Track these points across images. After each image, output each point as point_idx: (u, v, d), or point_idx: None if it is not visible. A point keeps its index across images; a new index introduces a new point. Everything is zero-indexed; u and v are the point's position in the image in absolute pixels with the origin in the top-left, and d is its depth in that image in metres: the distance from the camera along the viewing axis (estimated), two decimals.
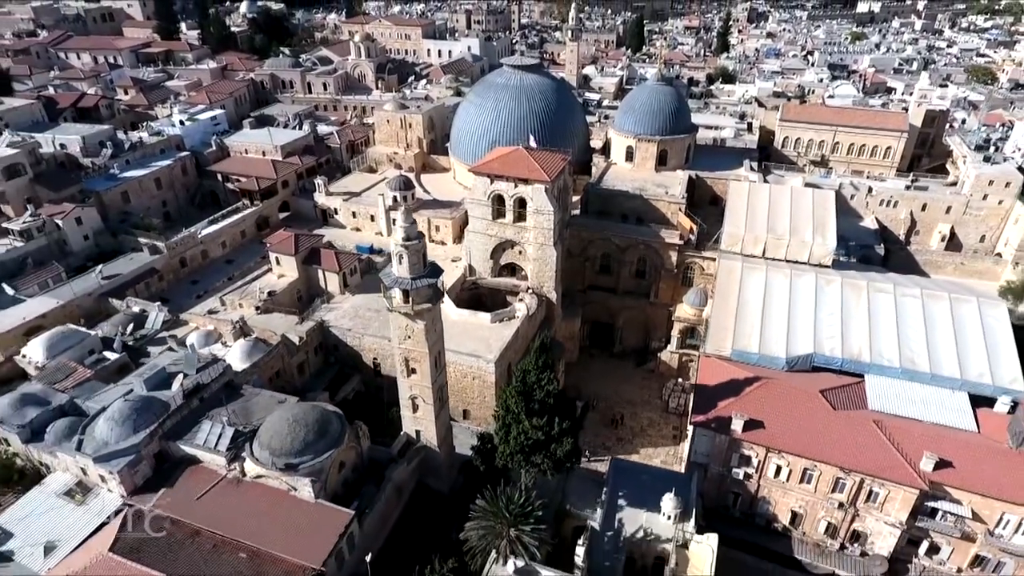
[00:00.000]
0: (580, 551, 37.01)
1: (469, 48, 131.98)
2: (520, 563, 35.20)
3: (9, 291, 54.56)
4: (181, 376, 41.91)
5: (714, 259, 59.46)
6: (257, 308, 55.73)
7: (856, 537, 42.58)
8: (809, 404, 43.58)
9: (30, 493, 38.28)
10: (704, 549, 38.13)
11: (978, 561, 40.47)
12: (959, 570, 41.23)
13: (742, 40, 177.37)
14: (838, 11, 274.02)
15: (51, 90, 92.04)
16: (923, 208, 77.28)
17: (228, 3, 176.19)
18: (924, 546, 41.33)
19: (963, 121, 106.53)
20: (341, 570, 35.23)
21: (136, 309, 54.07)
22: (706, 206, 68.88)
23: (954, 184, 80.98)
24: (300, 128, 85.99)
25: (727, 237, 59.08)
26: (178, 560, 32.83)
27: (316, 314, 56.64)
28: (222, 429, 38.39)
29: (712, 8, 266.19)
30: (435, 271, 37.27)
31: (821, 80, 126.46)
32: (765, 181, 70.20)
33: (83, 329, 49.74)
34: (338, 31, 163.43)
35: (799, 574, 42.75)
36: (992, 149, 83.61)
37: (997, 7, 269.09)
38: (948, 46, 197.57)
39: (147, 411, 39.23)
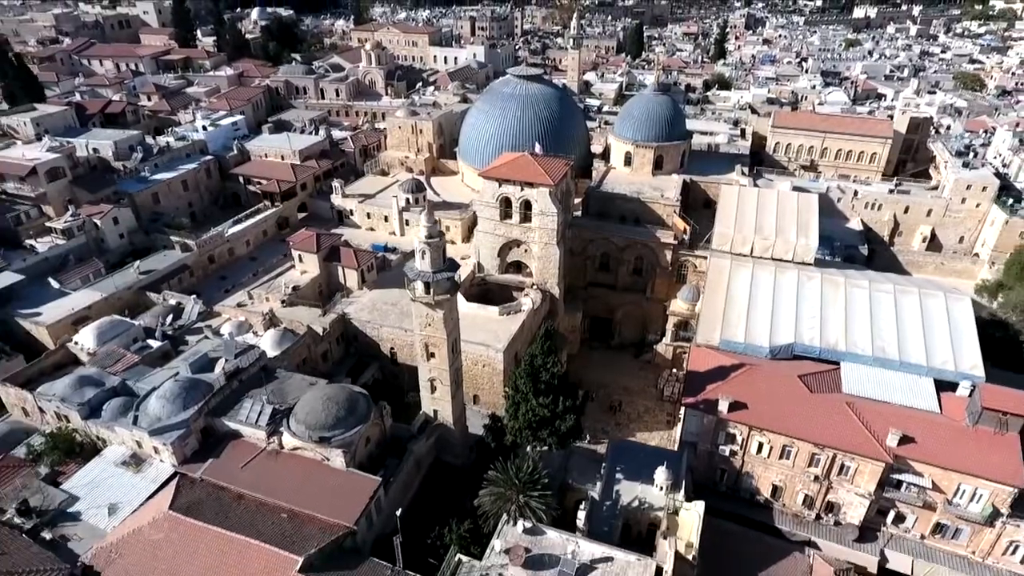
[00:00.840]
0: (581, 515, 41.53)
1: (474, 55, 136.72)
2: (528, 524, 39.66)
3: (55, 285, 59.27)
4: (222, 360, 46.54)
5: (706, 257, 63.94)
6: (283, 301, 60.31)
7: (830, 507, 46.97)
8: (789, 388, 48.05)
9: (91, 463, 42.79)
10: (692, 515, 42.54)
11: (939, 528, 44.90)
12: (922, 537, 45.67)
13: (739, 47, 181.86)
14: (835, 16, 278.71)
15: (77, 96, 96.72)
16: (906, 211, 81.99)
17: (239, 9, 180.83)
18: (891, 515, 45.80)
19: (948, 127, 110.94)
20: (370, 529, 39.78)
21: (173, 302, 58.69)
22: (699, 208, 73.32)
23: (935, 188, 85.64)
24: (316, 133, 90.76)
25: (718, 237, 63.64)
26: (229, 517, 37.36)
27: (337, 307, 61.21)
28: (262, 407, 42.94)
29: (711, 13, 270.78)
30: (453, 265, 41.91)
31: (814, 87, 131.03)
32: (755, 185, 74.74)
33: (128, 319, 54.38)
34: (346, 37, 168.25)
35: (780, 542, 47.13)
36: (971, 155, 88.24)
37: (991, 13, 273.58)
38: (942, 51, 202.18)
39: (194, 391, 43.85)
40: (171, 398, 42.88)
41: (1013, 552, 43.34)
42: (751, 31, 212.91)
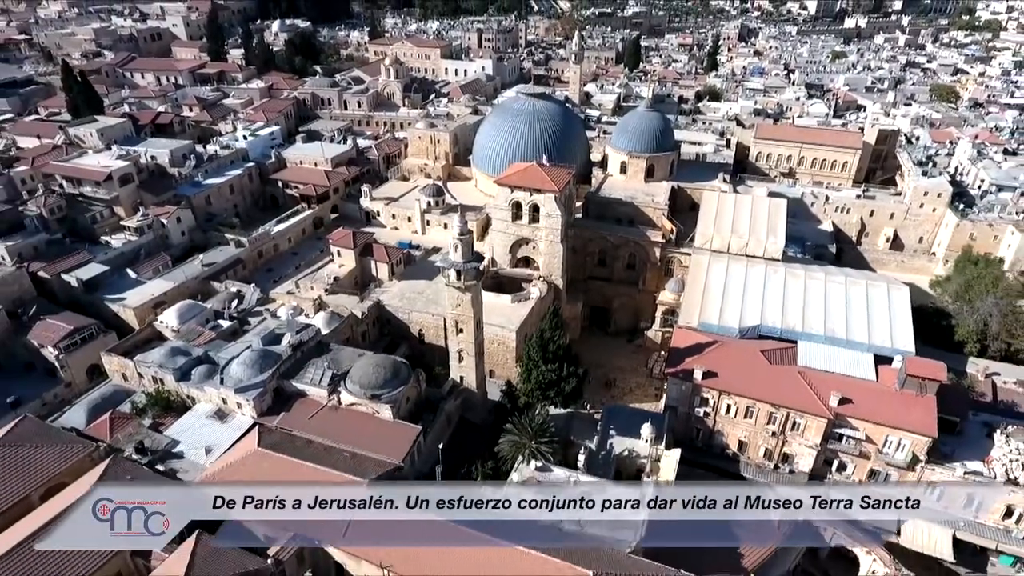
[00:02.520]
0: (581, 459, 51.58)
1: (483, 68, 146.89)
2: (539, 464, 49.72)
3: (132, 275, 69.49)
4: (287, 335, 56.69)
5: (689, 254, 73.89)
6: (326, 290, 70.46)
7: (785, 458, 56.81)
8: (753, 360, 57.92)
9: (185, 416, 52.93)
10: (670, 461, 52.53)
11: (872, 474, 54.95)
12: (860, 482, 55.67)
13: (731, 58, 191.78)
14: (827, 26, 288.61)
15: (126, 107, 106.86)
16: (871, 214, 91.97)
17: (259, 21, 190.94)
18: (835, 464, 55.85)
19: (917, 138, 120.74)
20: (413, 467, 49.73)
21: (234, 289, 68.82)
22: (685, 211, 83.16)
23: (899, 194, 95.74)
24: (344, 142, 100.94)
25: (699, 237, 73.60)
26: (304, 454, 47.34)
27: (372, 295, 71.30)
28: (323, 371, 53.11)
29: (707, 23, 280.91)
30: (479, 257, 52.03)
31: (798, 99, 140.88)
32: (735, 191, 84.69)
33: (200, 303, 64.53)
34: (361, 48, 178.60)
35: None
36: (931, 165, 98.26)
37: (977, 23, 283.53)
38: (928, 61, 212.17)
39: (267, 358, 53.99)
40: (250, 364, 53.05)
41: (931, 492, 53.34)
42: (744, 42, 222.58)
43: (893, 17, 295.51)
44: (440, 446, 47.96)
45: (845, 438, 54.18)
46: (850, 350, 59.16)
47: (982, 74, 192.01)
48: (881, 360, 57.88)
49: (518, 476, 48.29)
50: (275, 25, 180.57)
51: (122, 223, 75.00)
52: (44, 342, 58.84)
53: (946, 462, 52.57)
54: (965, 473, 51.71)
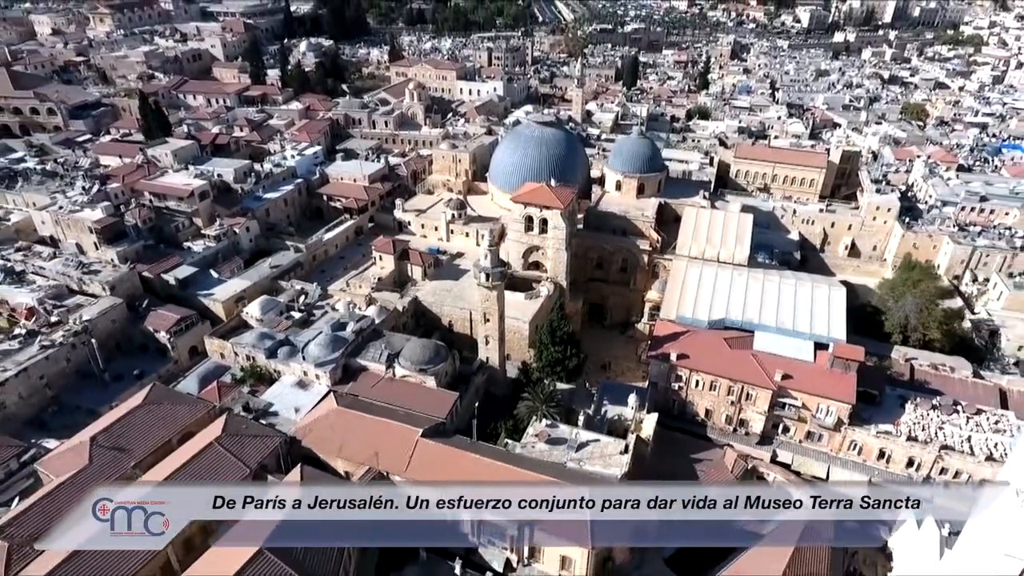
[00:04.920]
0: (581, 420, 66.78)
1: (494, 89, 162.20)
2: (548, 423, 64.83)
3: (214, 275, 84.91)
4: (351, 324, 72.07)
5: (671, 259, 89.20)
6: (372, 288, 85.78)
7: (742, 423, 72.00)
8: (717, 345, 72.90)
9: (274, 386, 68.20)
10: (649, 422, 67.66)
11: (809, 435, 70.08)
12: (800, 441, 70.76)
13: (722, 76, 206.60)
14: (818, 40, 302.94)
15: (185, 128, 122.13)
16: (832, 225, 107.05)
17: (286, 40, 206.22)
18: (781, 427, 70.97)
19: (881, 155, 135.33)
20: (452, 424, 64.95)
21: (298, 287, 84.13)
22: (670, 223, 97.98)
23: (857, 208, 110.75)
24: (378, 160, 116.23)
25: (680, 245, 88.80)
26: (371, 412, 62.48)
27: (410, 292, 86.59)
28: (381, 351, 68.46)
29: (704, 36, 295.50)
30: (503, 263, 67.31)
31: (779, 118, 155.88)
32: (713, 206, 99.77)
33: (274, 298, 79.90)
34: (381, 67, 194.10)
35: (711, 445, 72.09)
36: (884, 182, 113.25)
37: (960, 38, 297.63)
38: (911, 75, 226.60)
39: (337, 341, 69.37)
40: (324, 345, 68.46)
41: (853, 448, 68.38)
42: (736, 59, 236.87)
43: (881, 32, 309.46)
44: (476, 406, 63.06)
45: (787, 406, 69.29)
46: (795, 338, 74.20)
47: (962, 88, 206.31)
48: (821, 346, 73.10)
49: (532, 431, 63.60)
50: (303, 45, 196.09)
51: (202, 232, 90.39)
52: (158, 328, 74.24)
53: (864, 424, 67.79)
54: (877, 433, 66.98)
